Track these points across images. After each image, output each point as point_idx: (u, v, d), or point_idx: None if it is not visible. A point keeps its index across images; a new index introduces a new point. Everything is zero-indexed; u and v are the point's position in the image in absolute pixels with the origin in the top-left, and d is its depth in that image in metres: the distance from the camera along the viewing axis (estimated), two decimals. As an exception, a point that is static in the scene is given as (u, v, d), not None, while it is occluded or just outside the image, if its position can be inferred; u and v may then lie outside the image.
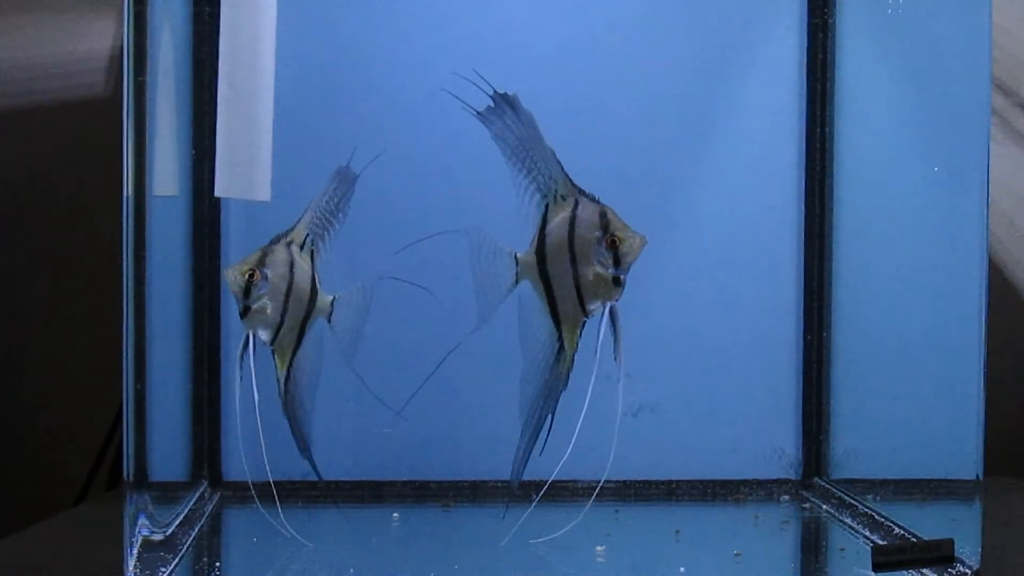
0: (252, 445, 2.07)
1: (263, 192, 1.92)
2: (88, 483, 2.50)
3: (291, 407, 1.82)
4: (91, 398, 2.58)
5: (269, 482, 1.80)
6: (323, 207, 1.82)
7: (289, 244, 1.80)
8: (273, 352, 1.80)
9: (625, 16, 2.22)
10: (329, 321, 1.82)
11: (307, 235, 1.81)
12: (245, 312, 1.77)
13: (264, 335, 1.78)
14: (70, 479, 2.52)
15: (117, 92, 2.62)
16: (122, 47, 2.58)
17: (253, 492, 1.82)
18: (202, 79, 2.10)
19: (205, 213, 2.14)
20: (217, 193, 1.88)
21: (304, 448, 1.85)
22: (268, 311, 1.77)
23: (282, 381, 1.81)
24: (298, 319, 1.79)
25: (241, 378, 1.76)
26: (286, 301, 1.78)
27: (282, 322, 1.78)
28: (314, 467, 1.87)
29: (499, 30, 2.20)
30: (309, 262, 1.81)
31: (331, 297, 1.83)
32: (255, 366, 1.75)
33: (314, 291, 1.81)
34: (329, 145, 2.12)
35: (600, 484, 1.82)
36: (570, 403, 1.78)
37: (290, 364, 1.80)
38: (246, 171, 1.90)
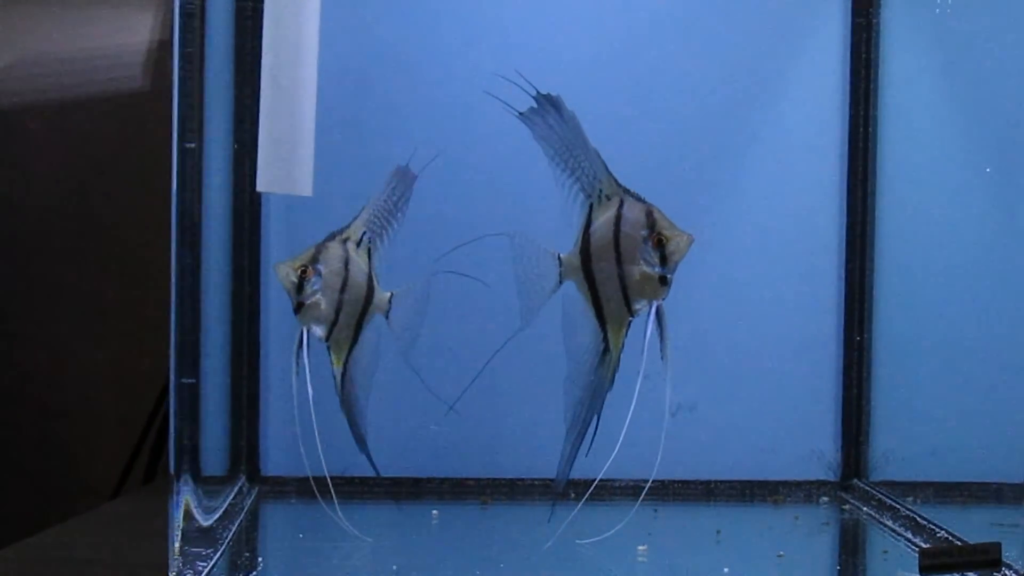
0: (293, 440, 2.08)
1: (305, 187, 1.92)
2: (124, 477, 2.50)
3: (348, 403, 1.82)
4: (128, 392, 2.59)
5: (325, 477, 1.80)
6: (381, 205, 1.82)
7: (345, 241, 1.79)
8: (329, 348, 1.80)
9: (666, 17, 2.21)
10: (387, 317, 1.82)
11: (364, 232, 1.81)
12: (298, 308, 1.78)
13: (318, 331, 1.78)
14: (106, 473, 2.53)
15: (155, 85, 2.63)
16: (163, 41, 2.63)
17: (314, 486, 1.81)
18: (244, 73, 2.09)
19: (246, 207, 2.14)
20: (259, 188, 1.87)
21: (361, 443, 1.85)
22: (322, 307, 1.77)
23: (338, 377, 1.81)
24: (354, 315, 1.79)
25: (297, 374, 1.76)
26: (340, 297, 1.78)
27: (337, 318, 1.78)
28: (372, 462, 1.88)
29: (540, 31, 2.19)
30: (366, 259, 1.81)
31: (389, 294, 1.82)
32: (309, 362, 1.75)
33: (371, 288, 1.81)
34: (370, 141, 2.14)
35: (649, 484, 1.81)
36: (610, 402, 1.78)
37: (346, 360, 1.80)
38: (288, 166, 1.90)
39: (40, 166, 2.64)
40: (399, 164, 1.84)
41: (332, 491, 1.80)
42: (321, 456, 1.78)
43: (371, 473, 1.93)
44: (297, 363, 1.76)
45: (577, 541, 1.80)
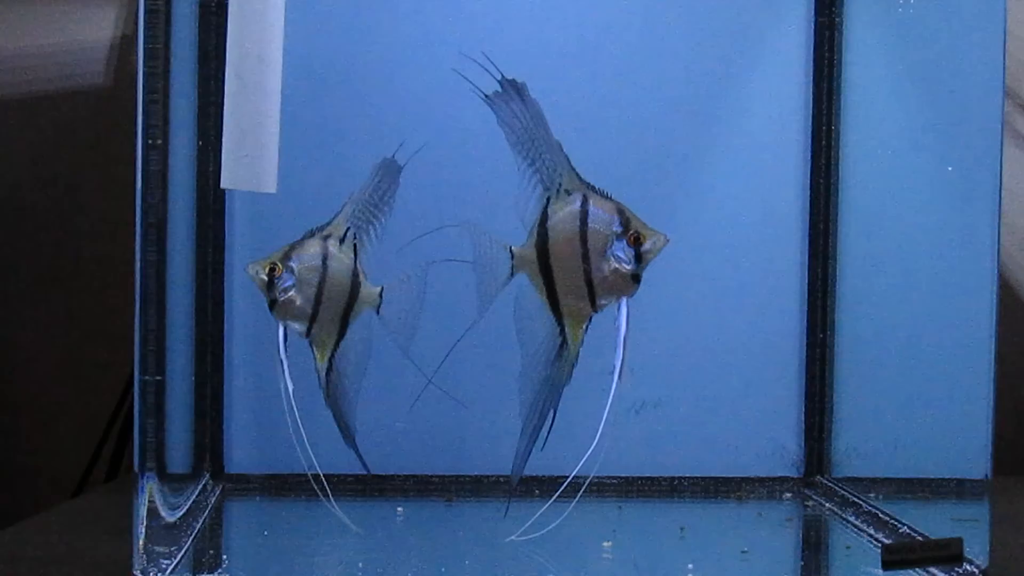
0: (256, 438, 2.08)
1: (269, 184, 1.91)
2: (86, 474, 2.49)
3: (335, 399, 1.82)
4: (88, 390, 2.58)
5: (316, 472, 1.82)
6: (366, 200, 1.82)
7: (326, 238, 1.79)
8: (311, 344, 1.80)
9: (631, 13, 2.22)
10: (379, 312, 1.81)
11: (347, 228, 1.80)
12: (272, 305, 1.79)
13: (298, 327, 1.78)
14: (67, 470, 2.52)
15: (117, 82, 2.62)
16: (123, 36, 2.61)
17: (313, 483, 1.82)
18: (208, 70, 2.08)
19: (210, 204, 2.13)
20: (223, 184, 1.86)
21: (349, 439, 1.86)
22: (297, 303, 1.78)
23: (322, 373, 1.80)
24: (337, 311, 1.79)
25: (284, 371, 1.76)
26: (319, 293, 1.77)
27: (316, 314, 1.78)
28: (360, 458, 1.88)
29: (504, 27, 2.19)
30: (351, 255, 1.80)
31: (378, 288, 1.82)
32: (287, 358, 1.77)
33: (356, 283, 1.80)
34: (335, 137, 2.14)
35: (588, 480, 1.79)
36: (578, 398, 1.78)
37: (332, 356, 1.80)
38: (252, 163, 1.89)
39: (2, 163, 2.62)
40: (385, 156, 1.83)
41: (326, 485, 1.82)
42: (310, 451, 1.79)
43: (335, 471, 1.93)
44: (280, 360, 1.76)
45: (512, 537, 1.79)
